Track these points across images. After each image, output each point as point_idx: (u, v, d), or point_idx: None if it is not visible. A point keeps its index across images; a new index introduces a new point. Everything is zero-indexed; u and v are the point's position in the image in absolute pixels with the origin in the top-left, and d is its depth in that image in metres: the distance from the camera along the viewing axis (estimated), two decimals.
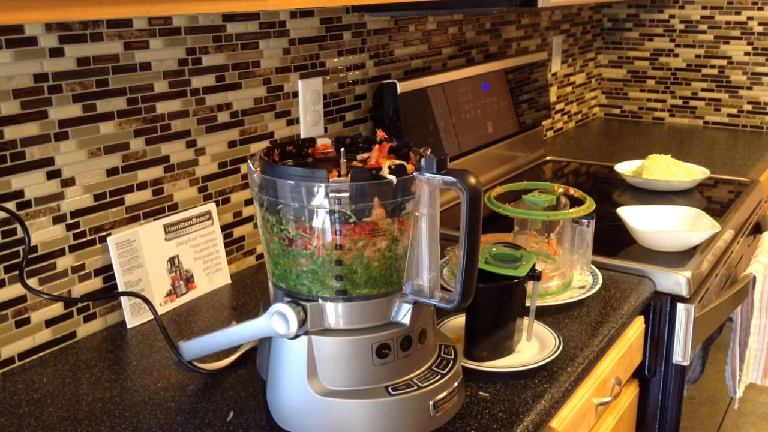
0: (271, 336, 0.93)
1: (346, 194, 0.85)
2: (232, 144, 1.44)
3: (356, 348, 0.90)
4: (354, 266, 0.89)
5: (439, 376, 0.94)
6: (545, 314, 1.28)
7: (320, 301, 0.90)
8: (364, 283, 0.90)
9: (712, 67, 2.82)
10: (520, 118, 2.20)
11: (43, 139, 1.13)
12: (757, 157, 2.34)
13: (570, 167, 2.26)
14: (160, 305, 1.30)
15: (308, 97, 1.57)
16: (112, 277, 1.25)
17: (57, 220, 1.17)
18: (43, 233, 1.15)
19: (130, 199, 1.27)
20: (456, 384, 0.95)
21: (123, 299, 1.25)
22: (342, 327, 0.91)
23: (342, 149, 0.94)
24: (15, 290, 1.13)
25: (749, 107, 2.79)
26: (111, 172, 1.23)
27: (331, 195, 0.85)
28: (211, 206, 1.40)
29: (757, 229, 2.00)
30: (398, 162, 0.88)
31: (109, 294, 1.25)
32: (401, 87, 1.69)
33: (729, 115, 2.83)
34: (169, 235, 1.32)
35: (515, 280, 1.10)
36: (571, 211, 1.33)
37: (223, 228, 1.44)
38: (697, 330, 1.44)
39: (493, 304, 1.10)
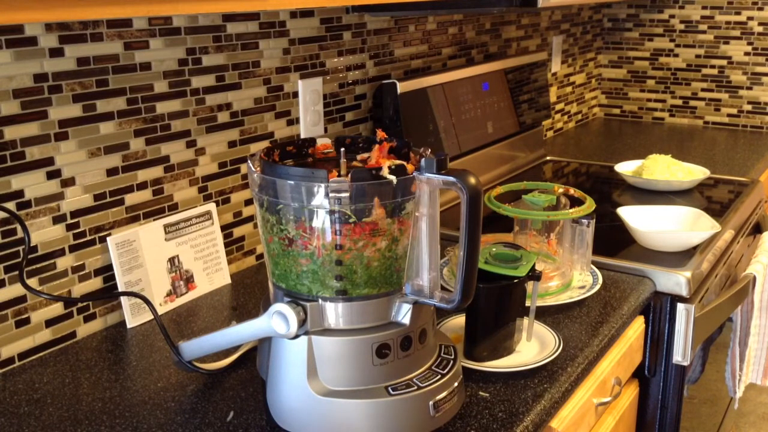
0: (271, 336, 0.93)
1: (346, 194, 0.85)
2: (232, 144, 1.44)
3: (356, 348, 0.90)
4: (354, 266, 0.89)
5: (439, 376, 0.94)
6: (545, 314, 1.28)
7: (320, 301, 0.90)
8: (364, 283, 0.90)
9: (712, 67, 2.82)
10: (520, 118, 2.20)
11: (43, 139, 1.13)
12: (757, 157, 2.34)
13: (570, 167, 2.26)
14: (160, 305, 1.30)
15: (308, 97, 1.57)
16: (112, 277, 1.25)
17: (57, 220, 1.17)
18: (43, 233, 1.15)
19: (130, 199, 1.27)
20: (456, 384, 0.95)
21: (123, 299, 1.25)
22: (342, 327, 0.91)
23: (342, 149, 0.94)
24: (15, 290, 1.13)
25: (749, 107, 2.79)
26: (111, 172, 1.23)
27: (331, 195, 0.85)
28: (211, 206, 1.40)
29: (757, 229, 2.00)
30: (398, 162, 0.88)
31: (109, 294, 1.25)
32: (401, 87, 1.69)
33: (729, 115, 2.83)
34: (169, 235, 1.32)
35: (515, 280, 1.10)
36: (571, 211, 1.33)
37: (223, 228, 1.44)
38: (697, 330, 1.44)
39: (493, 304, 1.10)
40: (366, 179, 0.85)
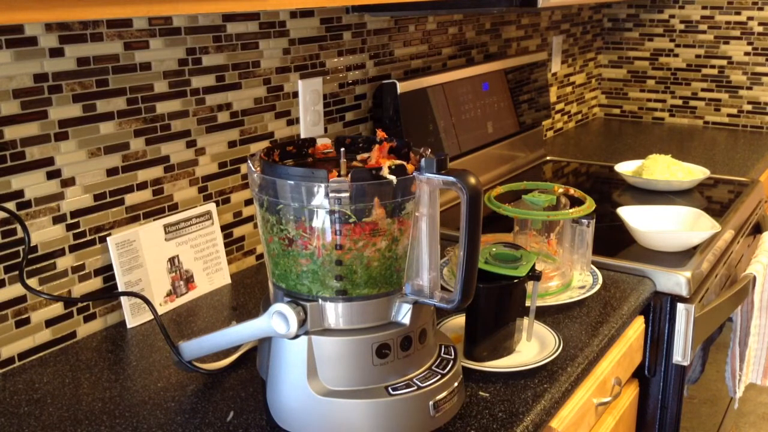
0: (271, 336, 0.93)
1: (346, 194, 0.85)
2: (232, 144, 1.44)
3: (356, 348, 0.90)
4: (354, 266, 0.89)
5: (439, 376, 0.94)
6: (545, 314, 1.28)
7: (320, 301, 0.90)
8: (364, 283, 0.90)
9: (712, 67, 2.82)
10: (520, 118, 2.20)
11: (43, 139, 1.13)
12: (757, 157, 2.34)
13: (570, 167, 2.26)
14: (160, 305, 1.30)
15: (308, 97, 1.57)
16: (112, 277, 1.25)
17: (57, 220, 1.17)
18: (43, 233, 1.15)
19: (130, 199, 1.27)
20: (456, 384, 0.95)
21: (123, 299, 1.25)
22: (342, 327, 0.91)
23: (342, 149, 0.94)
24: (15, 290, 1.13)
25: (749, 107, 2.79)
26: (111, 172, 1.23)
27: (331, 195, 0.85)
28: (211, 206, 1.40)
29: (757, 229, 2.00)
30: (398, 162, 0.88)
31: (109, 294, 1.25)
32: (401, 87, 1.69)
33: (729, 115, 2.83)
34: (169, 235, 1.32)
35: (515, 280, 1.10)
36: (571, 211, 1.33)
37: (223, 228, 1.44)
38: (697, 330, 1.44)
39: (493, 304, 1.10)
40: (366, 179, 0.85)
